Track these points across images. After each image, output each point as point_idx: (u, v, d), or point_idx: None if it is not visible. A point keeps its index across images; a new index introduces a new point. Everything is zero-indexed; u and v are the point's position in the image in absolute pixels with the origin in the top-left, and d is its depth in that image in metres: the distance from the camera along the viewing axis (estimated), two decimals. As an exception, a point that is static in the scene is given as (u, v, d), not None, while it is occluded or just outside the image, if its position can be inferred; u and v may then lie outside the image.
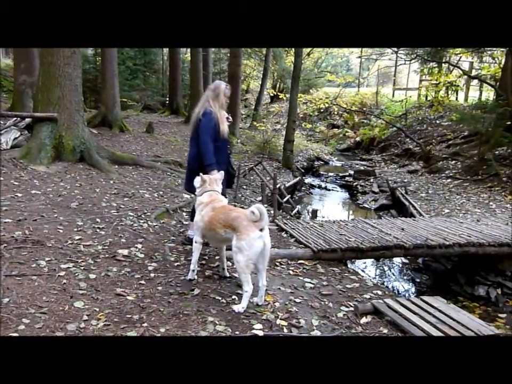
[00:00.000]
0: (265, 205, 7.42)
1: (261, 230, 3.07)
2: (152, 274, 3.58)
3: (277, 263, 4.14)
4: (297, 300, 3.38)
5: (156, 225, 4.97)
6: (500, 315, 4.82)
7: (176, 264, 3.87)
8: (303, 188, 11.54)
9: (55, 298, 2.96)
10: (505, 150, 9.84)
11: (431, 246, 4.60)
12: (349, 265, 4.64)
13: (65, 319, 2.71)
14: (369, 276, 5.42)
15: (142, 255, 3.97)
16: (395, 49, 18.57)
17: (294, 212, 8.19)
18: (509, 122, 8.91)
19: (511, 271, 5.21)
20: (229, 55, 16.48)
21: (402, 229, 5.19)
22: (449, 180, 10.10)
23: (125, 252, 3.99)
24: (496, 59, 14.99)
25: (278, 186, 8.06)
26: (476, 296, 5.15)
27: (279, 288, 3.58)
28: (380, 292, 3.77)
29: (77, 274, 3.38)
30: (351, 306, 3.34)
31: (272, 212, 6.29)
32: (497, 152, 9.90)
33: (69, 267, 3.47)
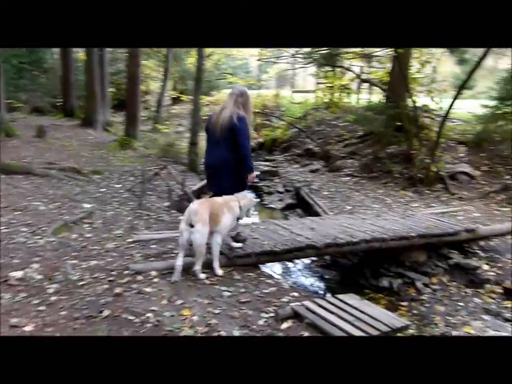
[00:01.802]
0: (173, 211, 7.19)
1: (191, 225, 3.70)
2: (52, 298, 3.21)
3: (192, 272, 3.98)
4: (216, 311, 3.25)
5: (54, 241, 4.51)
6: (402, 303, 5.15)
7: (80, 283, 3.53)
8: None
9: None
10: (395, 148, 10.64)
11: (340, 244, 4.76)
12: (263, 269, 4.62)
13: None
14: (284, 278, 5.48)
15: (40, 277, 3.57)
16: (293, 52, 19.26)
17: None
18: (398, 123, 9.63)
19: (410, 261, 5.61)
20: (126, 54, 15.75)
21: (312, 229, 5.32)
22: (348, 178, 10.66)
23: (19, 274, 3.55)
24: (383, 64, 16.21)
25: (185, 190, 7.86)
26: (381, 288, 5.45)
27: (196, 300, 3.43)
28: (296, 294, 3.79)
29: (-41, 306, 2.92)
30: (271, 312, 3.31)
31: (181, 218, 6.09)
32: (389, 150, 10.66)
33: None
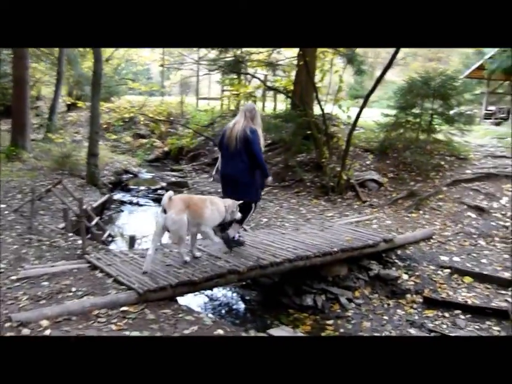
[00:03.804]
0: (70, 234, 6.29)
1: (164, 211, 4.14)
2: None
3: (94, 317, 3.30)
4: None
5: None
6: (328, 322, 4.92)
7: None
8: (112, 206, 10.46)
9: None
10: (305, 156, 10.65)
11: (263, 266, 4.38)
12: (181, 302, 4.06)
13: None
14: (204, 309, 4.96)
15: None
16: (196, 59, 18.81)
17: (105, 236, 7.20)
18: (308, 131, 9.61)
19: (332, 276, 5.42)
20: (12, 56, 14.03)
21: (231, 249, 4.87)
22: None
23: None
24: (287, 73, 16.40)
25: (84, 208, 6.96)
26: (305, 306, 5.19)
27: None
28: (221, 332, 3.30)
29: None
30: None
31: (80, 242, 5.28)
32: (299, 158, 10.64)
33: None
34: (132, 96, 22.15)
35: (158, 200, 11.38)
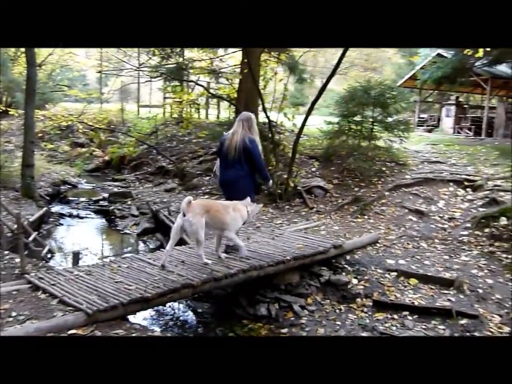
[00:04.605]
0: (6, 252, 5.85)
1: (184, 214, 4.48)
2: None
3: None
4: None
5: None
6: (282, 330, 4.91)
7: None
8: (51, 219, 9.89)
9: None
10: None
11: (217, 278, 4.29)
12: (132, 320, 3.88)
13: None
14: (156, 325, 4.78)
15: None
16: (136, 65, 18.36)
17: (44, 251, 6.77)
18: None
19: (284, 284, 5.43)
20: None
21: (183, 262, 4.75)
22: (207, 196, 10.28)
23: None
24: (230, 80, 16.42)
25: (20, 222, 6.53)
26: (259, 316, 5.14)
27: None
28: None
29: None
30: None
31: (18, 261, 4.93)
32: (245, 166, 10.63)
33: None
34: (68, 103, 21.22)
35: (100, 212, 10.94)
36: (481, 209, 7.24)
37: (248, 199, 5.02)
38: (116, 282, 4.05)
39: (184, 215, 4.48)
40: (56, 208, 10.99)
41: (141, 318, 4.88)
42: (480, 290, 5.15)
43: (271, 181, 5.47)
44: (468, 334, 4.48)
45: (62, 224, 9.91)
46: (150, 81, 17.38)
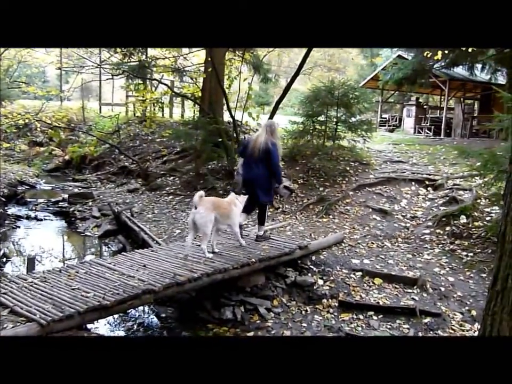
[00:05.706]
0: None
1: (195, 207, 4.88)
2: None
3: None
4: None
5: None
6: (248, 334, 4.83)
7: None
8: (6, 222, 9.44)
9: None
10: (216, 164, 10.56)
11: (180, 283, 4.17)
12: (91, 328, 3.71)
13: None
14: (118, 333, 4.60)
15: None
16: (98, 62, 17.82)
17: (-1, 255, 6.45)
18: (219, 139, 9.54)
19: (250, 286, 5.36)
20: None
21: (145, 266, 4.60)
22: (171, 197, 10.11)
23: None
24: (194, 79, 16.20)
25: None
26: (224, 320, 5.04)
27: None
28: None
29: None
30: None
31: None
32: (210, 166, 10.52)
33: None
34: (26, 100, 20.38)
35: (59, 214, 10.52)
36: (442, 207, 7.39)
37: (232, 194, 5.49)
38: (73, 289, 3.86)
39: (195, 208, 4.84)
40: (12, 210, 10.50)
41: (102, 324, 4.71)
42: (442, 289, 5.25)
43: (282, 185, 5.98)
44: (431, 332, 4.55)
45: (19, 227, 9.47)
46: (112, 79, 16.87)
